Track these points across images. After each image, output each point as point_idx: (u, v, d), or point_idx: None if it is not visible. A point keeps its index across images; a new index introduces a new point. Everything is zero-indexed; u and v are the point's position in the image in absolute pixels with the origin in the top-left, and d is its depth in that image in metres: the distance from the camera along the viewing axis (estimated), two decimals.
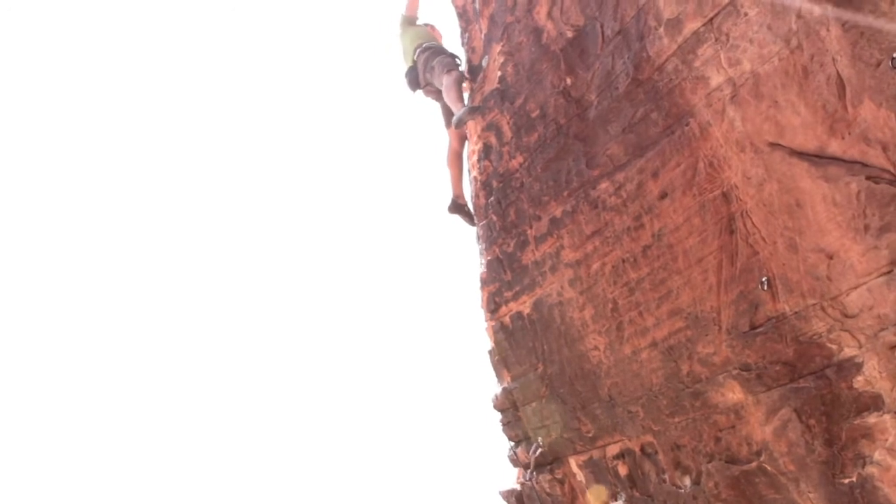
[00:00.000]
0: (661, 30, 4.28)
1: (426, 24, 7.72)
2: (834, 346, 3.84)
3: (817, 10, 3.44)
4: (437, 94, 7.32)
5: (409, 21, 7.69)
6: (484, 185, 6.48)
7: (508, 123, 5.96)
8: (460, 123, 6.45)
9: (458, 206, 7.42)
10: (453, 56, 7.02)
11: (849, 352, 3.78)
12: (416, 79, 7.46)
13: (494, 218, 6.29)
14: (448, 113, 7.21)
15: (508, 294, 6.33)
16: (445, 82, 6.76)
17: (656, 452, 5.26)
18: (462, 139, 7.25)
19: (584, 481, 6.07)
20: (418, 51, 7.35)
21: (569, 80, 5.19)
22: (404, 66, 7.60)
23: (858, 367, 3.73)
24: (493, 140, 6.22)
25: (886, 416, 3.67)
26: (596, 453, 5.85)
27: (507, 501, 7.15)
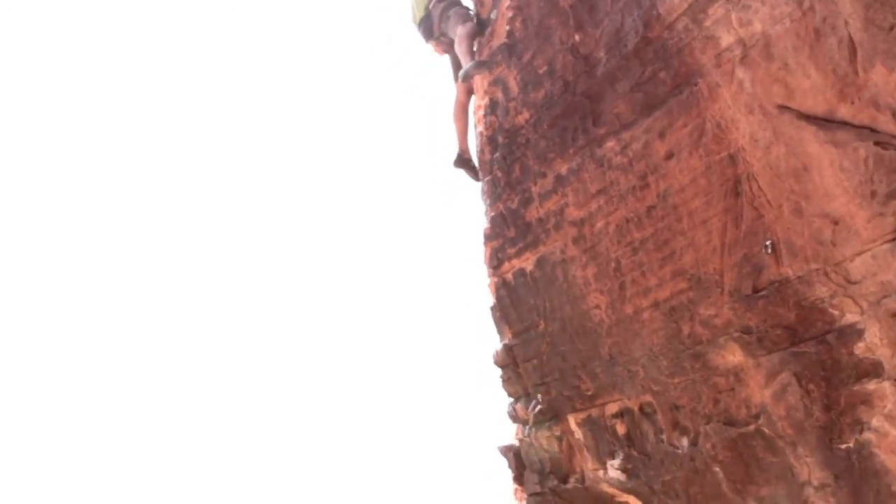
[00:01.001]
0: None
1: None
2: (836, 312, 3.83)
3: None
4: (450, 46, 7.25)
5: None
6: (489, 141, 6.44)
7: (515, 79, 5.91)
8: (467, 77, 6.39)
9: (463, 161, 7.37)
10: (468, 9, 6.95)
11: (850, 318, 3.77)
12: (430, 28, 7.39)
13: (499, 174, 6.26)
14: (457, 65, 7.14)
15: (511, 250, 6.31)
16: (459, 32, 6.70)
17: (655, 412, 5.27)
18: (469, 93, 7.19)
19: (582, 439, 6.10)
20: (434, 0, 7.28)
21: (577, 37, 5.13)
22: (417, 16, 7.52)
23: (860, 334, 3.73)
24: (500, 95, 6.17)
25: (886, 383, 3.68)
26: (595, 411, 5.86)
27: (506, 457, 7.20)
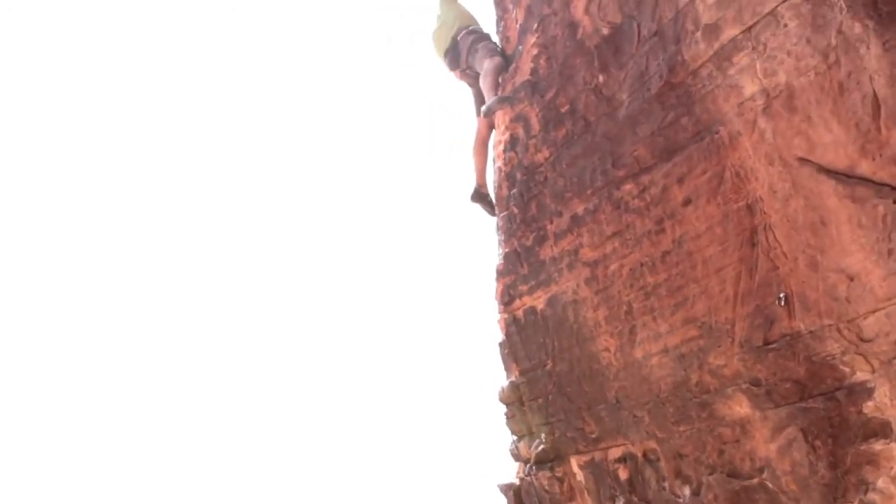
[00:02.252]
0: (699, 34, 4.22)
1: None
2: (847, 369, 3.79)
3: (858, 27, 3.38)
4: (474, 79, 7.29)
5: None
6: (508, 177, 6.44)
7: (537, 116, 5.91)
8: (489, 112, 6.40)
9: (480, 196, 7.38)
10: (496, 44, 6.98)
11: (861, 376, 3.73)
12: (456, 59, 7.43)
13: (515, 210, 6.25)
14: (480, 99, 7.17)
15: (523, 288, 6.29)
16: (486, 67, 6.73)
17: (658, 459, 5.22)
18: (490, 128, 7.20)
19: (583, 481, 6.04)
20: (464, 32, 7.31)
21: (601, 78, 5.13)
22: (443, 45, 7.55)
23: (869, 393, 3.69)
24: (521, 132, 6.17)
25: (893, 444, 3.63)
26: (598, 455, 5.81)
27: (506, 495, 7.13)
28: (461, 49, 7.30)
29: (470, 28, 7.32)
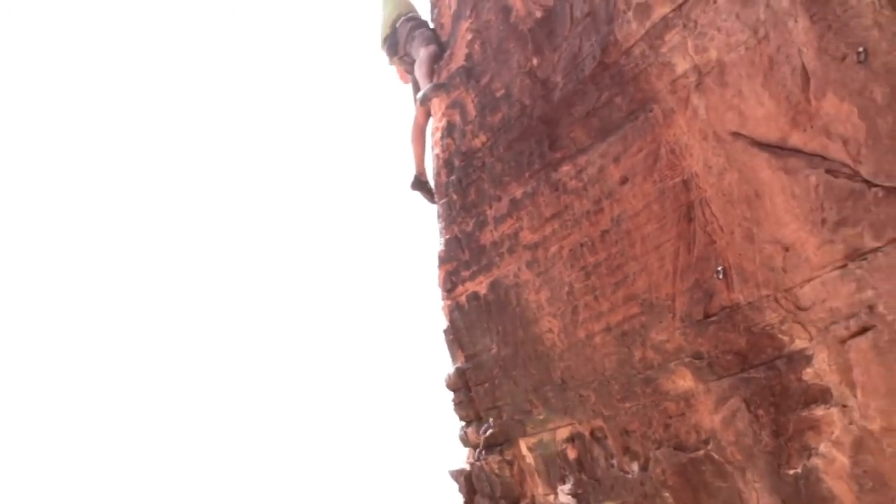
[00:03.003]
0: (630, 14, 4.25)
1: None
2: (785, 338, 3.85)
3: (786, 1, 3.43)
4: (411, 67, 7.27)
5: None
6: (446, 163, 6.44)
7: (473, 102, 5.92)
8: (425, 100, 6.40)
9: (419, 184, 7.39)
10: (434, 30, 6.97)
11: (800, 344, 3.79)
12: (395, 46, 7.41)
13: (455, 196, 6.26)
14: (417, 87, 7.17)
15: (466, 273, 6.30)
16: (422, 55, 6.72)
17: (606, 437, 5.27)
18: (427, 116, 7.20)
19: (533, 463, 6.08)
20: (402, 19, 7.29)
21: (535, 61, 5.15)
22: (382, 33, 7.53)
23: (808, 360, 3.76)
24: (457, 118, 6.18)
25: (833, 409, 3.70)
26: (546, 436, 5.85)
27: (457, 481, 7.15)
28: (399, 37, 7.28)
29: (409, 15, 7.30)
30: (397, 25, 7.30)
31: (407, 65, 7.39)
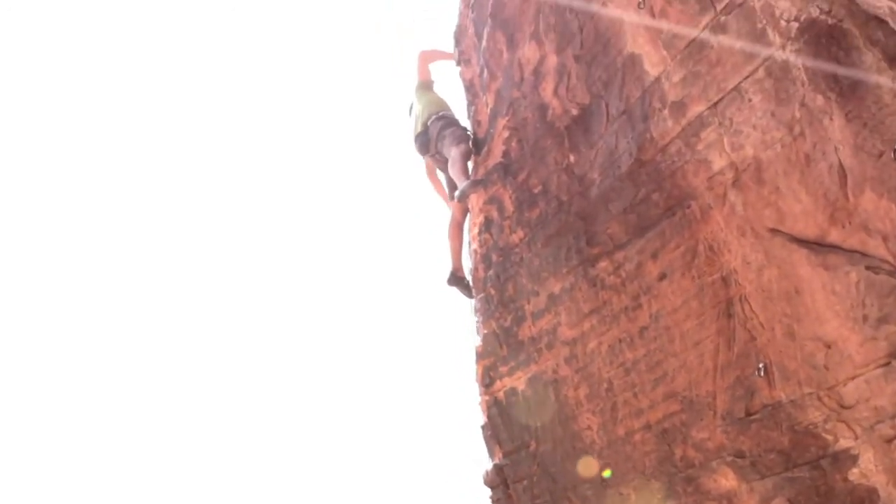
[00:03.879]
0: (666, 112, 4.31)
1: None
2: (830, 437, 3.78)
3: (820, 99, 3.46)
4: (445, 164, 7.36)
5: (425, 86, 7.77)
6: (484, 259, 6.47)
7: (511, 198, 5.97)
8: (463, 196, 6.46)
9: (456, 279, 7.41)
10: (465, 129, 7.07)
11: (844, 443, 3.72)
12: (426, 144, 7.51)
13: (493, 291, 6.27)
14: (452, 184, 7.24)
15: (504, 369, 6.28)
16: (453, 154, 6.80)
17: None
18: (465, 212, 7.26)
19: None
20: (433, 118, 7.40)
21: (572, 158, 5.21)
22: (416, 130, 7.65)
23: (854, 459, 3.68)
24: (495, 214, 6.23)
25: None
26: None
27: None
28: (431, 134, 7.39)
29: (440, 114, 7.41)
30: (429, 124, 7.41)
31: (438, 163, 7.50)
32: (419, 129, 7.53)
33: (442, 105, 7.56)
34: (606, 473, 5.33)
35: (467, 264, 7.11)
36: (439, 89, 7.86)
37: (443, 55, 7.80)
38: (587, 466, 5.49)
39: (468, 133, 7.01)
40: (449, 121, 7.30)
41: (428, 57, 7.89)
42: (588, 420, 5.39)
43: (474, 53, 6.84)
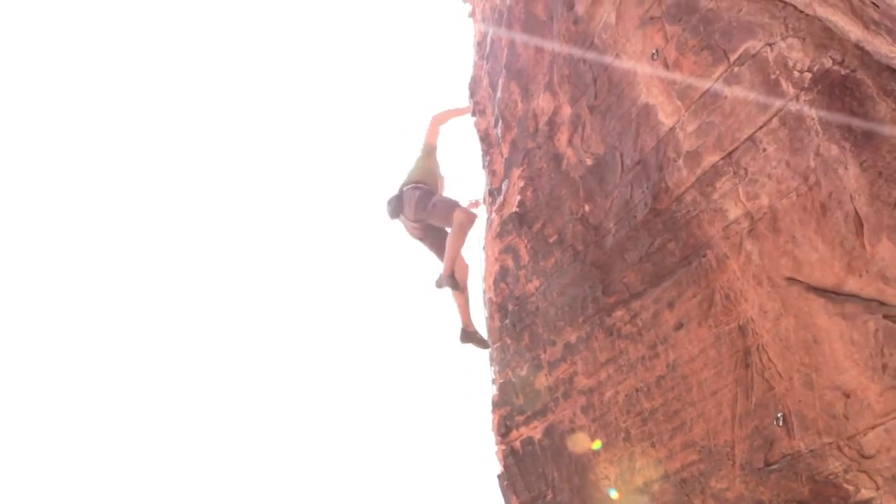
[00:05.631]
0: (681, 161, 4.33)
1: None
2: (850, 487, 3.75)
3: (835, 148, 3.48)
4: (423, 232, 7.36)
5: (428, 150, 7.78)
6: (499, 308, 6.48)
7: (526, 247, 6.00)
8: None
9: (469, 335, 7.41)
10: (449, 198, 7.09)
11: (866, 493, 3.69)
12: (398, 208, 7.49)
13: (508, 341, 6.27)
14: (442, 250, 7.27)
15: (520, 418, 6.26)
16: (458, 219, 6.80)
17: None
18: (466, 272, 7.28)
19: None
20: (410, 187, 7.41)
21: (587, 207, 5.23)
22: (397, 190, 7.63)
23: None
24: (511, 263, 6.25)
25: None
26: None
27: None
28: (404, 199, 7.38)
29: (420, 185, 7.42)
30: (404, 189, 7.43)
31: (417, 231, 7.50)
32: (395, 192, 7.54)
33: (431, 176, 7.57)
34: None
35: (480, 314, 7.13)
36: (446, 150, 7.89)
37: (456, 113, 7.83)
38: None
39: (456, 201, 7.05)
40: (425, 192, 7.31)
41: (440, 119, 7.90)
42: (605, 470, 5.36)
43: (489, 104, 6.91)
